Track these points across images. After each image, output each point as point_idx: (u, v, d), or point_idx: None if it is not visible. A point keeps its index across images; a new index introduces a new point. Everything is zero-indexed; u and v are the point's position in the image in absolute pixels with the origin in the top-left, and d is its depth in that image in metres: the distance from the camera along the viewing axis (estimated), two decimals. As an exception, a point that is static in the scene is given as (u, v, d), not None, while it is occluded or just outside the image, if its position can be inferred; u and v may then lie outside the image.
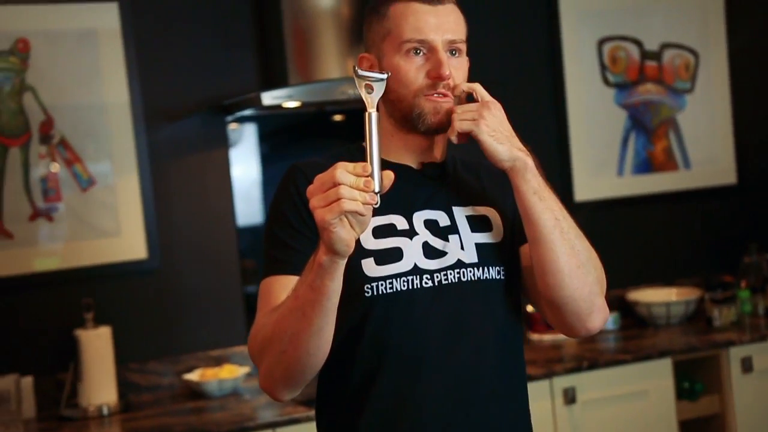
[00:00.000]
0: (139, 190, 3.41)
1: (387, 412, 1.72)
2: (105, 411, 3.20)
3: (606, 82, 4.06)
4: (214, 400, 3.28)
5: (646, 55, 4.12)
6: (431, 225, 1.77)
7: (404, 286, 1.71)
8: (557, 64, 3.99)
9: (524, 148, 1.74)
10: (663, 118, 4.15)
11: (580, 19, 4.00)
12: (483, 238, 1.80)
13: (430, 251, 1.74)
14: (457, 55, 1.78)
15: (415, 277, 1.72)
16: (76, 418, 3.18)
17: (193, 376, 3.37)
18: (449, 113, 1.74)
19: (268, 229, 1.77)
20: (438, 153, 1.84)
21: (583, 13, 4.01)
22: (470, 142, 1.73)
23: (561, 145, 4.01)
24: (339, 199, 1.41)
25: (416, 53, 1.75)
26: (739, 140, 4.27)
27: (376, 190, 1.44)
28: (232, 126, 3.60)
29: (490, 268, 1.78)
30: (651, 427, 3.42)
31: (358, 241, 1.48)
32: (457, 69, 1.77)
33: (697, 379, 3.60)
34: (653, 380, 3.42)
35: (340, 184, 1.41)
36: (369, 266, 1.70)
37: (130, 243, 3.41)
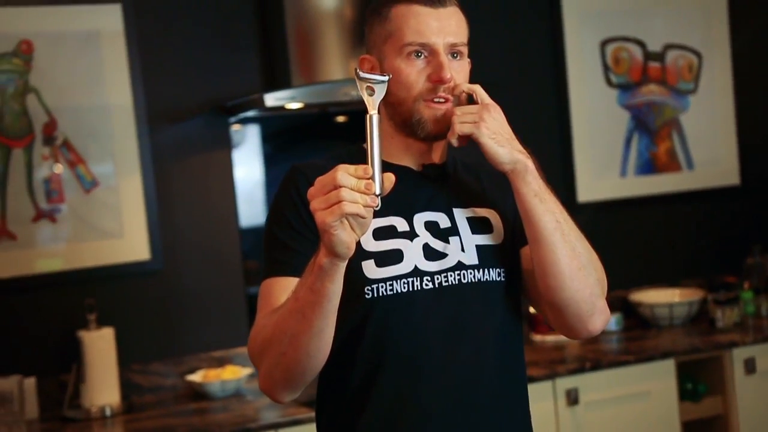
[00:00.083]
0: (142, 192, 3.41)
1: (387, 414, 1.72)
2: (108, 412, 3.20)
3: (609, 83, 4.05)
4: (216, 401, 3.28)
5: (649, 56, 4.12)
6: (432, 227, 1.77)
7: (404, 287, 1.71)
8: (560, 65, 3.99)
9: (524, 151, 1.74)
10: (666, 119, 4.15)
11: (583, 20, 4.00)
12: (483, 239, 1.79)
13: (430, 253, 1.74)
14: (458, 57, 1.78)
15: (415, 278, 1.72)
16: (78, 419, 3.18)
17: (196, 377, 3.38)
18: (449, 117, 1.74)
19: (269, 231, 1.77)
20: (438, 155, 1.84)
21: (586, 14, 4.00)
22: (470, 144, 1.73)
23: (564, 146, 4.00)
24: (340, 201, 1.41)
25: (417, 56, 1.75)
26: (743, 141, 4.27)
27: (377, 192, 1.44)
28: (235, 127, 3.60)
29: (491, 269, 1.78)
30: (654, 428, 3.42)
31: (358, 243, 1.48)
32: (458, 72, 1.77)
33: (700, 380, 3.60)
34: (656, 381, 3.42)
35: (341, 187, 1.41)
36: (369, 268, 1.70)
37: (132, 244, 3.41)
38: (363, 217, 1.43)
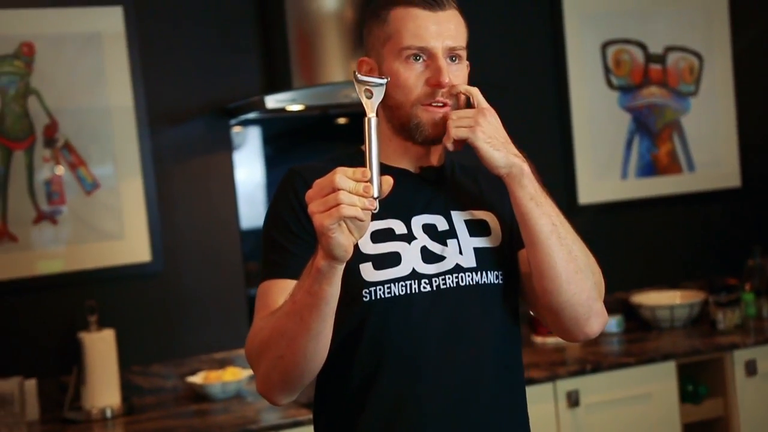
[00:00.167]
0: (143, 193, 3.41)
1: (385, 416, 1.72)
2: (108, 414, 3.20)
3: (610, 85, 4.05)
4: (217, 402, 3.28)
5: (650, 58, 4.12)
6: (430, 229, 1.77)
7: (402, 290, 1.71)
8: (561, 67, 3.99)
9: (520, 155, 1.74)
10: (667, 121, 4.15)
11: (584, 22, 4.00)
12: (481, 242, 1.80)
13: (428, 256, 1.74)
14: (457, 61, 1.78)
15: (413, 281, 1.72)
16: (79, 421, 3.18)
17: (197, 378, 3.38)
18: (446, 120, 1.74)
19: (266, 233, 1.77)
20: (436, 158, 1.84)
21: (587, 16, 4.00)
22: (468, 147, 1.73)
23: (565, 148, 4.00)
24: (338, 204, 1.41)
25: (416, 59, 1.75)
26: (743, 143, 4.26)
27: (375, 195, 1.44)
28: (236, 129, 3.60)
29: (489, 272, 1.78)
30: (654, 430, 3.42)
31: (356, 246, 1.48)
32: (456, 75, 1.77)
33: (700, 382, 3.60)
34: (657, 383, 3.42)
35: (339, 190, 1.41)
36: (367, 271, 1.70)
37: (133, 246, 3.41)
38: (361, 220, 1.44)
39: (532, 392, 3.11)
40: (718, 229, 4.27)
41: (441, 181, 1.84)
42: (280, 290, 1.66)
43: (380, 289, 1.70)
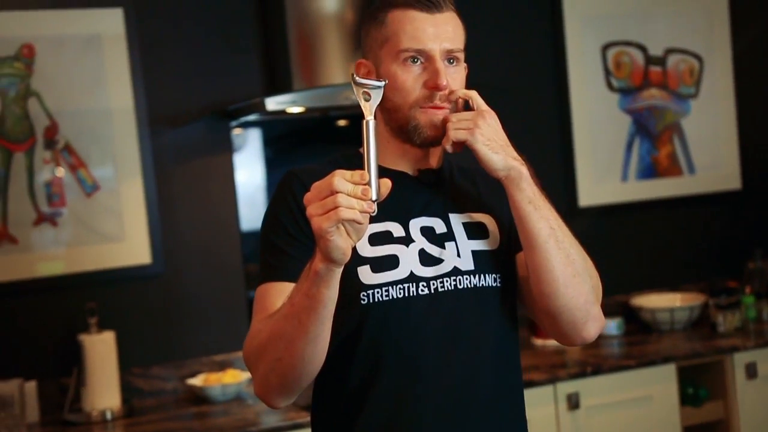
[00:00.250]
0: (143, 195, 3.42)
1: (383, 418, 1.72)
2: (108, 416, 3.20)
3: (610, 87, 4.05)
4: (217, 405, 3.28)
5: (650, 60, 4.12)
6: (427, 232, 1.77)
7: (400, 293, 1.71)
8: (561, 69, 3.99)
9: (519, 158, 1.73)
10: (667, 123, 4.15)
11: (584, 24, 4.00)
12: (479, 245, 1.79)
13: (426, 258, 1.74)
14: (454, 63, 1.77)
15: (411, 284, 1.72)
16: (79, 423, 3.18)
17: (197, 380, 3.38)
18: (445, 123, 1.74)
19: (264, 236, 1.77)
20: (434, 160, 1.84)
21: (587, 19, 4.00)
22: (466, 149, 1.73)
23: (565, 150, 4.00)
24: (336, 207, 1.41)
25: (413, 62, 1.75)
26: (744, 145, 4.26)
27: (374, 198, 1.44)
28: (236, 131, 3.61)
29: (487, 275, 1.77)
30: (654, 433, 3.42)
31: (354, 249, 1.48)
32: (454, 78, 1.76)
33: (701, 384, 3.59)
34: (657, 386, 3.42)
35: (337, 193, 1.41)
36: (365, 274, 1.70)
37: (134, 248, 3.41)
38: (359, 223, 1.44)
39: (532, 394, 3.14)
40: (718, 232, 4.27)
41: (439, 184, 1.84)
42: (278, 293, 1.66)
43: (378, 292, 1.70)
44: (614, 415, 3.36)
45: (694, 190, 4.19)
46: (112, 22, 3.39)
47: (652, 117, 4.12)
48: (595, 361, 3.42)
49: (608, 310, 3.73)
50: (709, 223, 4.26)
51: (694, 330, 3.81)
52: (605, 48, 4.04)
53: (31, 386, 3.23)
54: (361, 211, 1.42)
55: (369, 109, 1.50)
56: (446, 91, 1.74)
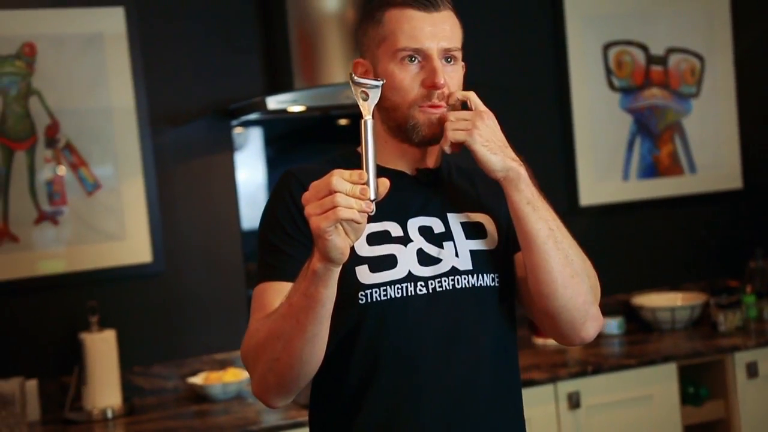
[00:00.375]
0: (144, 194, 3.42)
1: (382, 418, 1.72)
2: (109, 414, 3.20)
3: (611, 86, 4.05)
4: (218, 403, 3.29)
5: (651, 59, 4.12)
6: (426, 232, 1.77)
7: (398, 293, 1.71)
8: (562, 68, 3.99)
9: (517, 158, 1.73)
10: (668, 122, 4.15)
11: (586, 23, 4.00)
12: (478, 245, 1.79)
13: (424, 258, 1.74)
14: (452, 62, 1.77)
15: (409, 284, 1.72)
16: (80, 422, 3.19)
17: (198, 379, 3.38)
18: (443, 122, 1.73)
19: (262, 235, 1.77)
20: (433, 159, 1.84)
21: (589, 18, 4.00)
22: (464, 150, 1.73)
23: (566, 150, 4.00)
24: (335, 207, 1.41)
25: (411, 60, 1.74)
26: (745, 145, 4.26)
27: (372, 197, 1.44)
28: (238, 130, 3.61)
29: (485, 275, 1.77)
30: (655, 432, 3.42)
31: (352, 248, 1.48)
32: (452, 77, 1.76)
33: (701, 384, 3.59)
34: (658, 385, 3.42)
35: (336, 192, 1.41)
36: (363, 273, 1.70)
37: (135, 246, 3.42)
38: (358, 223, 1.44)
39: (533, 393, 3.15)
40: (719, 231, 4.27)
41: (437, 183, 1.84)
42: (276, 292, 1.66)
43: (376, 292, 1.70)
44: (615, 415, 3.36)
45: (695, 190, 4.19)
46: (113, 21, 3.39)
47: (653, 116, 4.12)
48: (595, 360, 3.42)
49: (609, 310, 3.76)
50: (710, 222, 4.26)
51: (694, 329, 3.81)
52: (606, 47, 4.04)
53: (32, 385, 3.24)
54: (360, 211, 1.42)
55: (367, 109, 1.50)
56: (444, 90, 1.74)
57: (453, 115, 1.73)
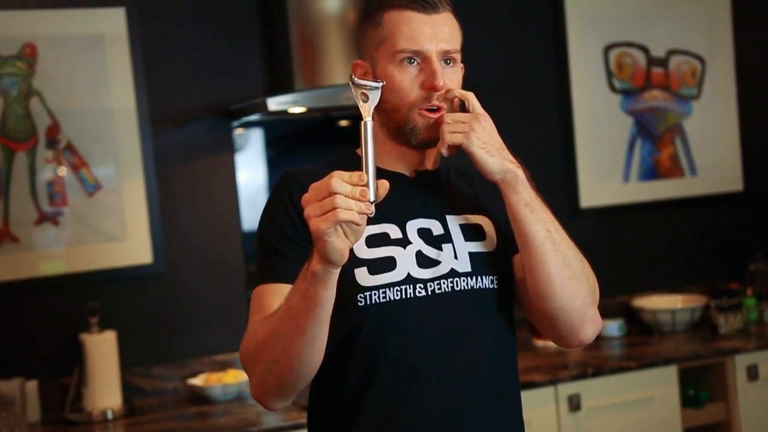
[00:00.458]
0: (144, 195, 3.42)
1: (381, 420, 1.72)
2: (109, 415, 3.20)
3: (612, 88, 4.05)
4: (218, 404, 3.29)
5: (652, 61, 4.12)
6: (425, 234, 1.77)
7: (397, 295, 1.71)
8: (563, 70, 3.99)
9: (515, 160, 1.73)
10: (669, 124, 4.15)
11: (587, 25, 4.00)
12: (476, 247, 1.79)
13: (423, 260, 1.74)
14: (451, 64, 1.77)
15: (408, 286, 1.71)
16: (80, 422, 3.19)
17: (198, 380, 3.38)
18: (441, 123, 1.73)
19: (261, 237, 1.77)
20: (431, 161, 1.84)
21: (590, 19, 4.00)
22: (461, 152, 1.73)
23: (567, 151, 4.00)
24: (335, 208, 1.41)
25: (410, 63, 1.74)
26: (746, 147, 4.26)
27: (372, 199, 1.44)
28: (238, 131, 3.61)
29: (484, 277, 1.77)
30: (655, 435, 3.42)
31: (351, 250, 1.48)
32: (451, 78, 1.76)
33: (702, 386, 3.59)
34: (658, 387, 3.42)
35: (335, 194, 1.41)
36: (362, 275, 1.70)
37: (135, 247, 3.42)
38: (357, 224, 1.43)
39: (533, 396, 3.15)
40: (720, 233, 4.27)
41: (436, 185, 1.84)
42: (275, 294, 1.66)
43: (375, 294, 1.70)
44: (615, 417, 3.36)
45: (696, 192, 4.19)
46: (114, 21, 3.39)
47: (653, 118, 4.12)
48: (596, 362, 3.42)
49: (609, 312, 3.76)
50: (710, 224, 4.25)
51: (695, 332, 3.80)
52: (607, 49, 4.04)
53: (32, 385, 3.24)
54: (360, 213, 1.42)
55: (367, 110, 1.50)
56: (443, 92, 1.74)
57: (450, 118, 1.73)
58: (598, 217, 4.03)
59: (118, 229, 3.40)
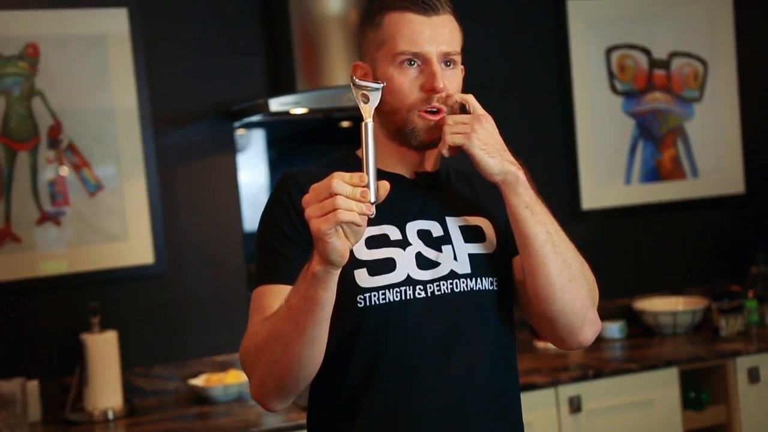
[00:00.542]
0: (146, 195, 3.42)
1: (380, 421, 1.72)
2: (110, 415, 3.21)
3: (614, 90, 4.05)
4: (219, 405, 3.29)
5: (654, 63, 4.11)
6: (424, 235, 1.77)
7: (397, 296, 1.71)
8: (565, 72, 3.99)
9: (515, 162, 1.73)
10: (671, 126, 4.14)
11: (589, 27, 4.00)
12: (476, 248, 1.79)
13: (423, 262, 1.74)
14: (451, 66, 1.77)
15: (407, 287, 1.71)
16: (81, 422, 3.19)
17: (199, 381, 3.38)
18: (442, 126, 1.73)
19: (261, 238, 1.77)
20: (431, 163, 1.84)
21: (592, 21, 4.00)
22: (462, 154, 1.73)
23: (569, 153, 4.00)
24: (335, 209, 1.41)
25: (410, 64, 1.74)
26: (747, 149, 4.26)
27: (373, 200, 1.44)
28: (240, 132, 3.61)
29: (483, 278, 1.77)
30: (656, 437, 3.42)
31: (351, 252, 1.48)
32: (451, 80, 1.76)
33: (703, 388, 3.59)
34: (659, 390, 3.41)
35: (336, 195, 1.41)
36: (362, 277, 1.70)
37: (136, 247, 3.42)
38: (358, 225, 1.43)
39: (533, 397, 3.15)
40: (721, 236, 4.26)
41: (436, 187, 1.84)
42: (275, 295, 1.66)
43: (375, 296, 1.70)
44: (616, 419, 3.36)
45: (698, 194, 4.18)
46: (116, 21, 3.40)
47: (655, 120, 4.12)
48: (597, 364, 3.42)
49: (610, 313, 3.76)
50: (712, 226, 4.25)
51: (696, 334, 3.80)
52: (609, 51, 4.04)
53: (33, 385, 3.24)
54: (360, 214, 1.42)
55: (368, 111, 1.50)
56: (443, 94, 1.74)
57: (451, 119, 1.73)
58: (599, 219, 4.03)
59: (119, 229, 3.40)
